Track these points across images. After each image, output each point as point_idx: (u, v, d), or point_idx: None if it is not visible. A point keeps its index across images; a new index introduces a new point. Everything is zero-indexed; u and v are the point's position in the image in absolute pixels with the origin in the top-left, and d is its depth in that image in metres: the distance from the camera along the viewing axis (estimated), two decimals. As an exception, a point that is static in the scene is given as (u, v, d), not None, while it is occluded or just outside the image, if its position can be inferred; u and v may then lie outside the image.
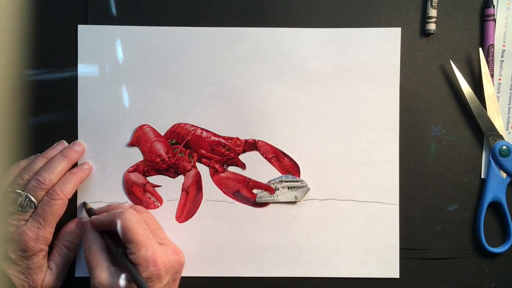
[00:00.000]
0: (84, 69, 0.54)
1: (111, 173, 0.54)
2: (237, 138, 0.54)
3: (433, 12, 0.53)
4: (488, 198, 0.53)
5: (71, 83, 0.54)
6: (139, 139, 0.54)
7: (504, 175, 0.53)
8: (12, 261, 0.48)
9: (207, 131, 0.54)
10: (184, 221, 0.54)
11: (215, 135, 0.54)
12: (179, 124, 0.54)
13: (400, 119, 0.54)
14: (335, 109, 0.54)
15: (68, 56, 0.54)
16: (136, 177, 0.54)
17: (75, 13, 0.54)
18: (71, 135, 0.54)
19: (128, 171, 0.54)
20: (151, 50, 0.54)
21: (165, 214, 0.54)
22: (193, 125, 0.54)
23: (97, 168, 0.54)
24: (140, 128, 0.54)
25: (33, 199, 0.49)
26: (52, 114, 0.54)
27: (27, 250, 0.48)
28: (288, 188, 0.53)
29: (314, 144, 0.54)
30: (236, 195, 0.54)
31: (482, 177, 0.54)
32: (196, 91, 0.54)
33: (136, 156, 0.54)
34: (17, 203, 0.48)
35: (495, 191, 0.53)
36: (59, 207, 0.49)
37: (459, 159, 0.54)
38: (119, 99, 0.54)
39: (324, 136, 0.54)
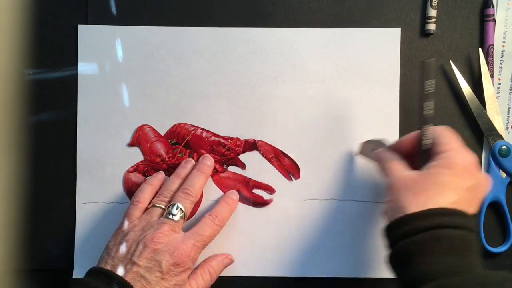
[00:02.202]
0: (84, 69, 0.54)
1: (111, 173, 0.54)
2: (237, 138, 0.54)
3: (433, 12, 0.53)
4: (488, 198, 0.53)
5: (71, 83, 0.54)
6: (139, 139, 0.54)
7: (504, 175, 0.53)
8: (161, 274, 0.45)
9: (207, 131, 0.54)
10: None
11: (215, 135, 0.54)
12: (179, 124, 0.54)
13: (400, 119, 0.54)
14: (335, 109, 0.54)
15: (68, 55, 0.54)
16: (136, 177, 0.54)
17: (75, 13, 0.54)
18: (71, 135, 0.54)
19: (128, 171, 0.54)
20: (151, 50, 0.54)
21: None
22: (193, 125, 0.54)
23: (96, 168, 0.54)
24: (140, 128, 0.54)
25: (183, 208, 0.48)
26: (52, 113, 0.54)
27: (179, 265, 0.46)
28: None
29: (314, 144, 0.54)
30: None
31: (482, 177, 0.54)
32: (196, 91, 0.54)
33: (136, 156, 0.54)
34: (168, 211, 0.48)
35: (494, 191, 0.53)
36: (217, 232, 0.50)
37: (459, 159, 0.54)
38: (119, 99, 0.54)
39: (324, 136, 0.54)
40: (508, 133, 0.54)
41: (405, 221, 0.39)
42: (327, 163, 0.54)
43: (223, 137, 0.54)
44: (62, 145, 0.53)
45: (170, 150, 0.54)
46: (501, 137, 0.53)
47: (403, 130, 0.54)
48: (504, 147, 0.53)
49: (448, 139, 0.43)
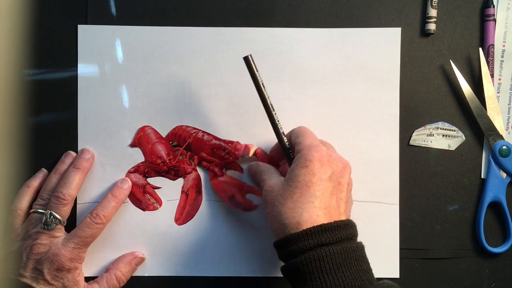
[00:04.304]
0: (84, 69, 0.54)
1: (111, 173, 0.54)
2: (237, 142, 0.54)
3: (433, 12, 0.53)
4: (488, 198, 0.53)
5: (71, 83, 0.54)
6: (140, 140, 0.54)
7: (504, 175, 0.53)
8: (47, 282, 0.48)
9: (208, 134, 0.54)
10: (183, 224, 0.54)
11: (216, 138, 0.54)
12: (181, 126, 0.54)
13: (400, 119, 0.54)
14: (335, 109, 0.54)
15: (68, 56, 0.54)
16: (136, 178, 0.54)
17: (75, 13, 0.54)
18: (71, 135, 0.54)
19: (129, 172, 0.54)
20: (151, 50, 0.54)
21: (164, 215, 0.54)
22: (194, 128, 0.54)
23: (97, 168, 0.54)
24: (142, 129, 0.54)
25: (57, 216, 0.49)
26: (52, 114, 0.54)
27: (62, 269, 0.48)
28: (443, 135, 0.53)
29: (314, 144, 0.54)
30: (231, 200, 0.53)
31: (482, 177, 0.54)
32: (196, 91, 0.54)
33: (136, 156, 0.54)
34: (42, 222, 0.49)
35: (495, 191, 0.53)
36: (99, 231, 0.50)
37: (459, 159, 0.54)
38: (119, 99, 0.54)
39: (324, 136, 0.54)
40: (509, 133, 0.54)
41: (289, 241, 0.41)
42: (327, 163, 0.54)
43: (224, 141, 0.54)
44: (63, 146, 0.53)
45: (171, 152, 0.54)
46: (501, 137, 0.53)
47: (403, 130, 0.54)
48: (504, 147, 0.53)
49: (301, 138, 0.46)
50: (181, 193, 0.54)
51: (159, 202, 0.54)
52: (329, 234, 0.40)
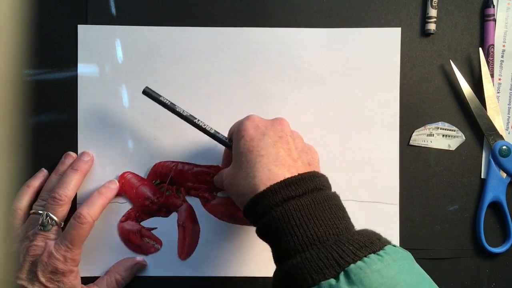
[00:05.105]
0: (84, 69, 0.54)
1: (111, 173, 0.54)
2: (218, 166, 0.53)
3: (433, 12, 0.53)
4: (488, 198, 0.53)
5: (71, 83, 0.54)
6: (123, 187, 0.53)
7: (504, 175, 0.53)
8: (42, 284, 0.47)
9: (188, 163, 0.53)
10: (187, 257, 0.53)
11: (196, 165, 0.53)
12: (159, 163, 0.53)
13: (400, 119, 0.54)
14: (335, 109, 0.54)
15: (68, 56, 0.54)
16: (130, 225, 0.53)
17: (75, 13, 0.54)
18: (71, 135, 0.54)
19: (121, 221, 0.53)
20: (151, 50, 0.54)
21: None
22: (173, 161, 0.53)
23: (97, 168, 0.54)
24: (122, 177, 0.53)
25: (53, 217, 0.49)
26: (52, 114, 0.54)
27: (56, 272, 0.48)
28: (443, 135, 0.53)
29: (314, 144, 0.54)
30: (231, 218, 0.53)
31: (482, 177, 0.54)
32: (196, 91, 0.54)
33: (136, 157, 0.54)
34: (39, 223, 0.48)
35: (495, 191, 0.53)
36: (85, 230, 0.49)
37: (459, 159, 0.54)
38: (119, 99, 0.54)
39: (324, 136, 0.54)
40: (509, 133, 0.54)
41: (253, 205, 0.40)
42: (327, 163, 0.54)
43: (204, 166, 0.54)
44: (63, 146, 0.53)
45: (157, 190, 0.53)
46: (501, 137, 0.53)
47: (403, 130, 0.54)
48: (504, 147, 0.53)
49: (232, 126, 0.47)
50: (178, 227, 0.53)
51: (158, 242, 0.53)
52: (294, 187, 0.39)
